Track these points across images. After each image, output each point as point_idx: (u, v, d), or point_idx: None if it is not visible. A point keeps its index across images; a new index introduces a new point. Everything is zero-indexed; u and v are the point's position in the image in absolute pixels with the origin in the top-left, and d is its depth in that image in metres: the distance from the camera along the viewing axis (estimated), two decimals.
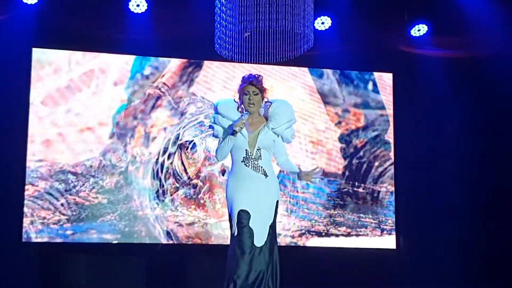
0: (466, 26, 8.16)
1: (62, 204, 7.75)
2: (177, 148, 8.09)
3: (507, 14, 7.99)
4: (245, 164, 5.14)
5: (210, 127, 5.31)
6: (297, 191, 8.37)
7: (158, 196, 7.99)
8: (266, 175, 5.16)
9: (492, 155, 8.45)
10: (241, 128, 5.05)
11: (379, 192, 8.61)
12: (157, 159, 8.03)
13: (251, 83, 5.17)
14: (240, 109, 5.23)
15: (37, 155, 7.75)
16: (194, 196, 8.06)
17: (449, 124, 8.65)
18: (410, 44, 8.53)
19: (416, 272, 8.32)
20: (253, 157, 5.15)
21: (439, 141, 8.65)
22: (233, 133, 5.02)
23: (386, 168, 8.67)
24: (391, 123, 8.71)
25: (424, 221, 8.47)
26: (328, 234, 8.39)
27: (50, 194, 7.73)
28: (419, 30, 8.44)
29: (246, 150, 5.16)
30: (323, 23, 8.27)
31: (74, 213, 7.77)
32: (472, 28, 8.15)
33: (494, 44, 8.17)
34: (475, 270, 8.29)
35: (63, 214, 7.74)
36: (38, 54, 7.83)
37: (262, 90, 5.20)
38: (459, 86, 8.61)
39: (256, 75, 5.22)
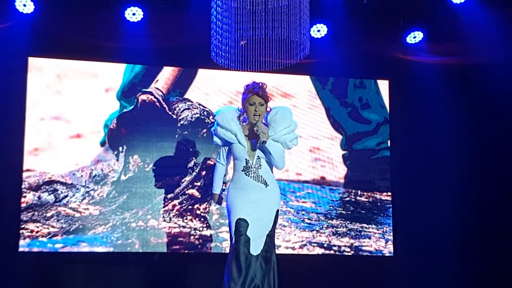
0: (461, 33, 8.18)
1: (51, 216, 7.67)
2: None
3: (502, 21, 8.00)
4: (245, 173, 5.17)
5: (213, 134, 5.36)
6: (298, 201, 8.34)
7: (152, 207, 7.93)
8: (266, 184, 5.17)
9: (489, 161, 8.45)
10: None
11: (382, 200, 8.58)
12: (151, 167, 7.99)
13: (257, 94, 5.18)
14: (242, 118, 5.25)
15: (25, 164, 7.66)
16: (190, 207, 8.01)
17: (446, 130, 8.66)
18: (405, 51, 8.55)
19: (414, 279, 8.31)
20: (253, 166, 5.16)
21: (436, 147, 8.65)
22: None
23: (389, 176, 8.65)
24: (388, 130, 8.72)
25: (421, 227, 8.47)
26: (330, 246, 8.35)
27: (39, 205, 7.64)
28: (414, 37, 8.45)
29: (246, 159, 5.17)
30: (319, 30, 8.27)
31: (64, 225, 7.67)
32: (468, 35, 8.16)
33: (489, 51, 8.18)
34: (473, 277, 8.29)
35: (52, 227, 7.64)
36: (34, 63, 7.81)
37: (267, 100, 5.22)
38: (455, 92, 8.62)
39: (260, 84, 5.23)
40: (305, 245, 8.27)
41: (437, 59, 8.54)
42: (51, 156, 7.74)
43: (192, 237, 7.95)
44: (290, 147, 5.29)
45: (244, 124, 5.28)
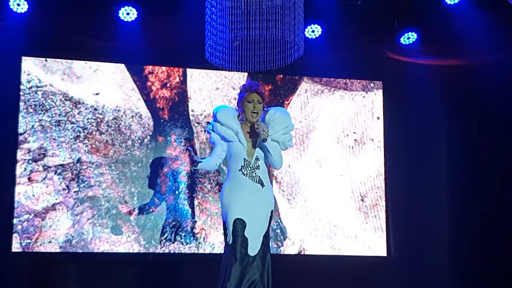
0: (455, 34, 8.19)
1: (42, 217, 7.61)
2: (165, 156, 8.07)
3: (495, 22, 8.03)
4: (242, 173, 5.14)
5: (208, 133, 5.31)
6: (294, 200, 8.35)
7: (147, 207, 7.92)
8: (262, 185, 5.16)
9: (482, 162, 8.47)
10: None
11: (379, 203, 8.59)
12: (146, 167, 7.97)
13: (256, 91, 5.17)
14: (240, 117, 5.23)
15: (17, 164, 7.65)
16: (185, 207, 8.00)
17: (439, 131, 8.69)
18: (399, 52, 8.55)
19: (407, 280, 8.33)
20: (251, 166, 5.15)
21: (429, 148, 8.68)
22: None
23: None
24: (382, 131, 8.72)
25: (414, 228, 8.48)
26: (325, 247, 8.33)
27: (29, 206, 7.60)
28: (408, 38, 8.47)
29: (245, 159, 5.15)
30: (314, 31, 8.29)
31: (56, 226, 7.63)
32: (461, 36, 8.17)
33: (483, 52, 8.20)
34: (466, 277, 8.32)
35: (44, 227, 7.60)
36: (28, 62, 7.79)
37: (265, 99, 5.22)
38: (448, 93, 8.65)
39: (257, 83, 5.23)
40: (300, 245, 8.28)
41: (430, 60, 8.55)
42: (42, 156, 7.71)
43: (186, 237, 7.95)
44: (287, 147, 5.28)
45: (241, 123, 5.26)
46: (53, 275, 7.68)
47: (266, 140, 5.00)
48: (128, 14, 7.87)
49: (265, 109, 5.27)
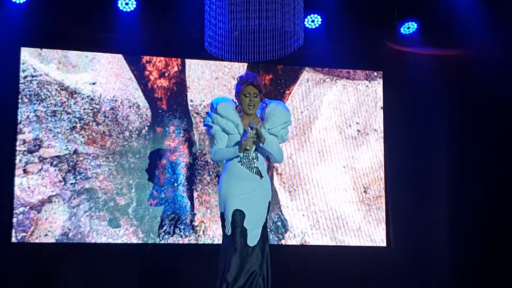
0: (455, 24, 8.18)
1: (40, 209, 7.59)
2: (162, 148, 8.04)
3: (495, 12, 8.00)
4: (241, 164, 5.14)
5: (206, 125, 5.29)
6: (298, 194, 8.34)
7: (146, 198, 7.90)
8: (261, 176, 5.17)
9: (482, 153, 8.45)
10: (251, 147, 5.03)
11: (382, 194, 8.56)
12: (144, 158, 7.95)
13: (252, 84, 5.15)
14: (237, 109, 5.23)
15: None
16: (184, 198, 7.98)
17: (439, 121, 8.68)
18: (399, 42, 8.54)
19: (407, 270, 8.33)
20: (249, 157, 5.15)
21: (429, 138, 8.67)
22: (244, 151, 5.00)
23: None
24: (381, 122, 8.69)
25: (414, 218, 8.48)
26: (324, 237, 8.32)
27: (28, 197, 7.57)
28: (408, 28, 8.44)
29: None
30: (313, 21, 8.26)
31: (55, 218, 7.60)
32: (462, 26, 8.16)
33: (483, 42, 8.18)
34: (466, 267, 8.31)
35: (41, 219, 7.56)
36: (27, 53, 7.74)
37: (262, 91, 5.20)
38: (448, 84, 8.63)
39: (254, 74, 5.21)
40: (302, 238, 8.26)
41: (431, 50, 8.53)
42: (38, 147, 7.68)
43: (186, 229, 7.93)
44: (284, 141, 5.31)
45: (240, 115, 5.26)
46: (53, 265, 7.66)
47: (263, 143, 5.00)
48: (127, 4, 7.85)
49: (264, 101, 5.26)
